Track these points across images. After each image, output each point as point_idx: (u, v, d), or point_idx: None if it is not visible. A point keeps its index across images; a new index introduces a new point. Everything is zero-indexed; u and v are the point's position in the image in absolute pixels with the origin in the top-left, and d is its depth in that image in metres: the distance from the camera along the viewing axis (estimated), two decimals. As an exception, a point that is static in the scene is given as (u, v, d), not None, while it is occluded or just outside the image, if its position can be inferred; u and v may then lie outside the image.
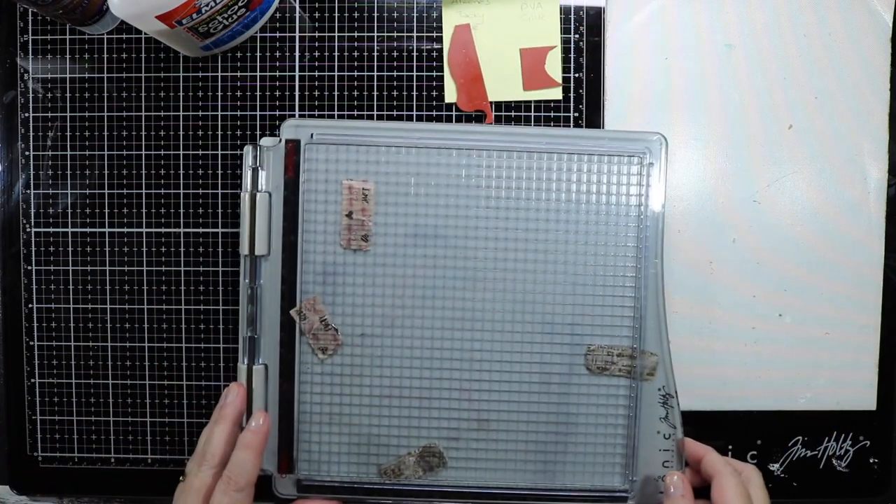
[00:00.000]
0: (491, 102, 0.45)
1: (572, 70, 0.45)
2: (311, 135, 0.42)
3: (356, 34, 0.45)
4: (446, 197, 0.43)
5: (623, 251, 0.43)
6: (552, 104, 0.45)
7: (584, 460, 0.44)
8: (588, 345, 0.43)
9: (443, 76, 0.45)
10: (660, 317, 0.43)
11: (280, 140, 0.42)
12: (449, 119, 0.46)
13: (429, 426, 0.44)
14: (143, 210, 0.46)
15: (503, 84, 0.45)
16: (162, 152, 0.46)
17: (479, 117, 0.45)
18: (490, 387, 0.43)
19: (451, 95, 0.45)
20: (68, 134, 0.46)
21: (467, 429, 0.43)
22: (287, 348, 0.43)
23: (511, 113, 0.45)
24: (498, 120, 0.45)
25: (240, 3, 0.41)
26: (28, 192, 0.46)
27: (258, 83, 0.46)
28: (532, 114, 0.45)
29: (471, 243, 0.43)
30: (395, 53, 0.45)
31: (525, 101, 0.45)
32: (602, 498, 0.43)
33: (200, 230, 0.46)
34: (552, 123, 0.45)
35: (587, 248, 0.43)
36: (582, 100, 0.45)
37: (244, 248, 0.42)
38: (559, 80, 0.45)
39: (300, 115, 0.46)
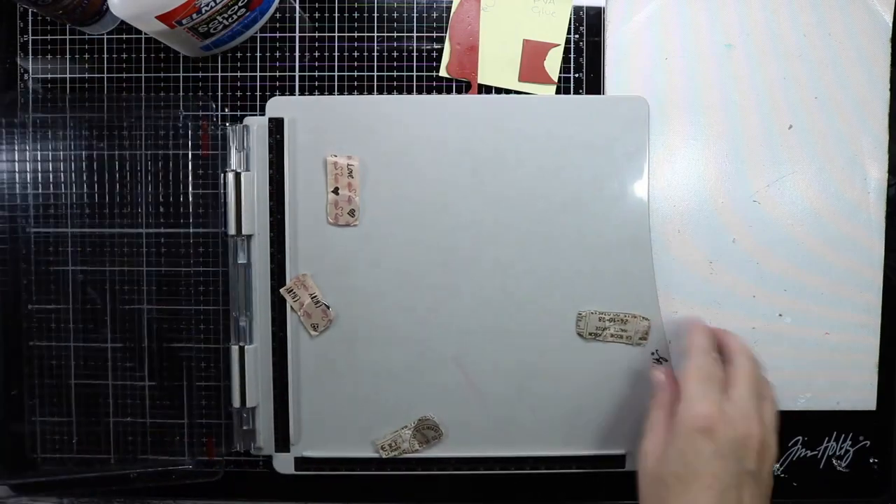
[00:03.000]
0: (481, 85, 0.45)
1: (572, 70, 0.45)
2: (295, 112, 0.43)
3: (356, 34, 0.45)
4: (432, 168, 0.43)
5: (611, 215, 0.43)
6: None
7: (580, 425, 0.44)
8: (579, 311, 0.43)
9: (443, 77, 0.45)
10: (650, 280, 0.42)
11: (264, 118, 0.42)
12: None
13: (423, 399, 0.44)
14: (143, 210, 0.46)
15: (498, 68, 0.45)
16: (161, 152, 0.46)
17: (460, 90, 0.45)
18: (483, 356, 0.43)
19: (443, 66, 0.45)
20: (68, 134, 0.46)
21: (462, 399, 0.44)
22: (278, 327, 0.43)
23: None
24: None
25: (240, 3, 0.41)
26: (28, 192, 0.46)
27: (258, 83, 0.46)
28: (532, 114, 0.45)
29: (459, 213, 0.43)
30: (395, 53, 0.45)
31: (517, 93, 0.45)
32: (600, 462, 0.44)
33: (201, 230, 0.46)
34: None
35: (575, 212, 0.43)
36: (582, 100, 0.45)
37: (231, 228, 0.42)
38: (556, 78, 0.45)
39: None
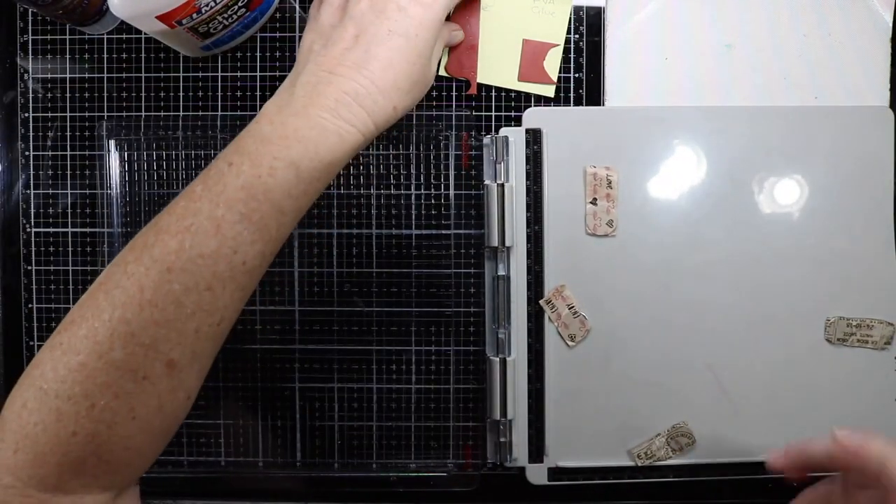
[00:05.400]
0: (480, 84, 0.45)
1: (572, 70, 0.45)
2: (551, 122, 0.43)
3: (356, 34, 0.45)
4: (688, 179, 0.43)
5: (856, 224, 0.43)
6: (552, 104, 0.45)
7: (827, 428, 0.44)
8: (827, 317, 0.44)
9: (443, 77, 0.45)
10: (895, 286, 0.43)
11: (521, 129, 0.42)
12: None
13: (676, 406, 0.44)
14: (143, 210, 0.46)
15: (498, 68, 0.45)
16: (162, 153, 0.46)
17: (459, 89, 0.45)
18: (734, 364, 0.44)
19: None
20: (68, 134, 0.46)
21: (713, 406, 0.44)
22: (535, 338, 0.43)
23: (511, 103, 0.45)
24: (488, 108, 0.45)
25: (240, 4, 0.41)
26: (28, 192, 0.46)
27: (258, 83, 0.46)
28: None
29: (713, 223, 0.43)
30: (394, 53, 0.45)
31: (517, 93, 0.45)
32: None
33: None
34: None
35: (823, 221, 0.44)
36: (582, 100, 0.45)
37: (492, 241, 0.42)
38: (555, 78, 0.45)
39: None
